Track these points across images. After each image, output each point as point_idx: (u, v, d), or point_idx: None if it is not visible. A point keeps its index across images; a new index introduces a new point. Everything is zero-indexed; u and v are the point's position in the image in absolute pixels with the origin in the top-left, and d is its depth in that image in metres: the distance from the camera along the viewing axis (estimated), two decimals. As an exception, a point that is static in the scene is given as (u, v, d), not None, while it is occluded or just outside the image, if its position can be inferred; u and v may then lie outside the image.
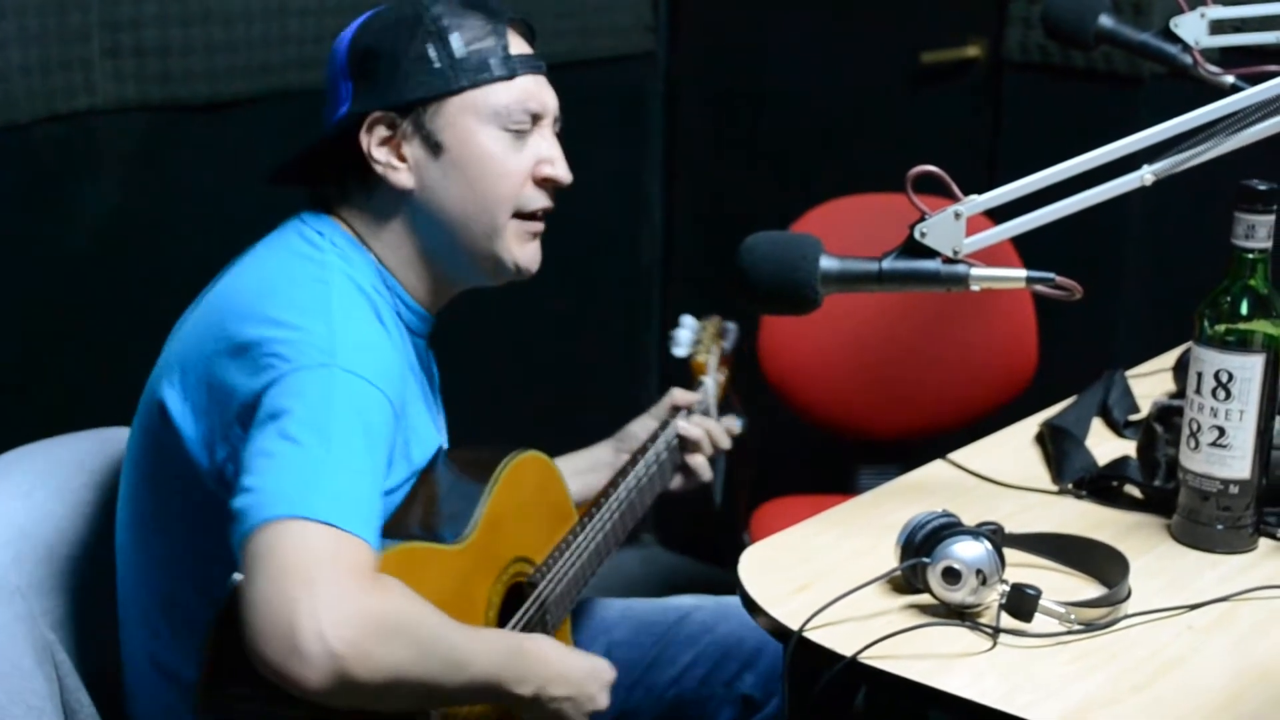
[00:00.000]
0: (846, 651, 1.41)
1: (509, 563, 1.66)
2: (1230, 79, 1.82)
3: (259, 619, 1.28)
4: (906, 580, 1.51)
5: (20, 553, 1.57)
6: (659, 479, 1.95)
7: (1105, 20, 1.92)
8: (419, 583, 1.41)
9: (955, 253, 1.52)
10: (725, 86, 3.37)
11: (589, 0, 3.14)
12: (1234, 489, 1.60)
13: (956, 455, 1.88)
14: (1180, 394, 1.90)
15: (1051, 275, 1.52)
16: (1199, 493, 1.62)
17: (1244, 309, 1.58)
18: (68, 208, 2.46)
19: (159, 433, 1.52)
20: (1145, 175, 1.53)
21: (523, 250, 1.63)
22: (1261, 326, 1.57)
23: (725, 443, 2.03)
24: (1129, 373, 2.10)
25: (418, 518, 1.55)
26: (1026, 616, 1.44)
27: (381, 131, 1.58)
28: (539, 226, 1.64)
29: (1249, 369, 1.58)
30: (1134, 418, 1.98)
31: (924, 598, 1.49)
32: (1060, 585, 1.55)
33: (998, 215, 1.55)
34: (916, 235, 1.52)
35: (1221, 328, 1.58)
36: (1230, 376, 1.58)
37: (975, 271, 1.53)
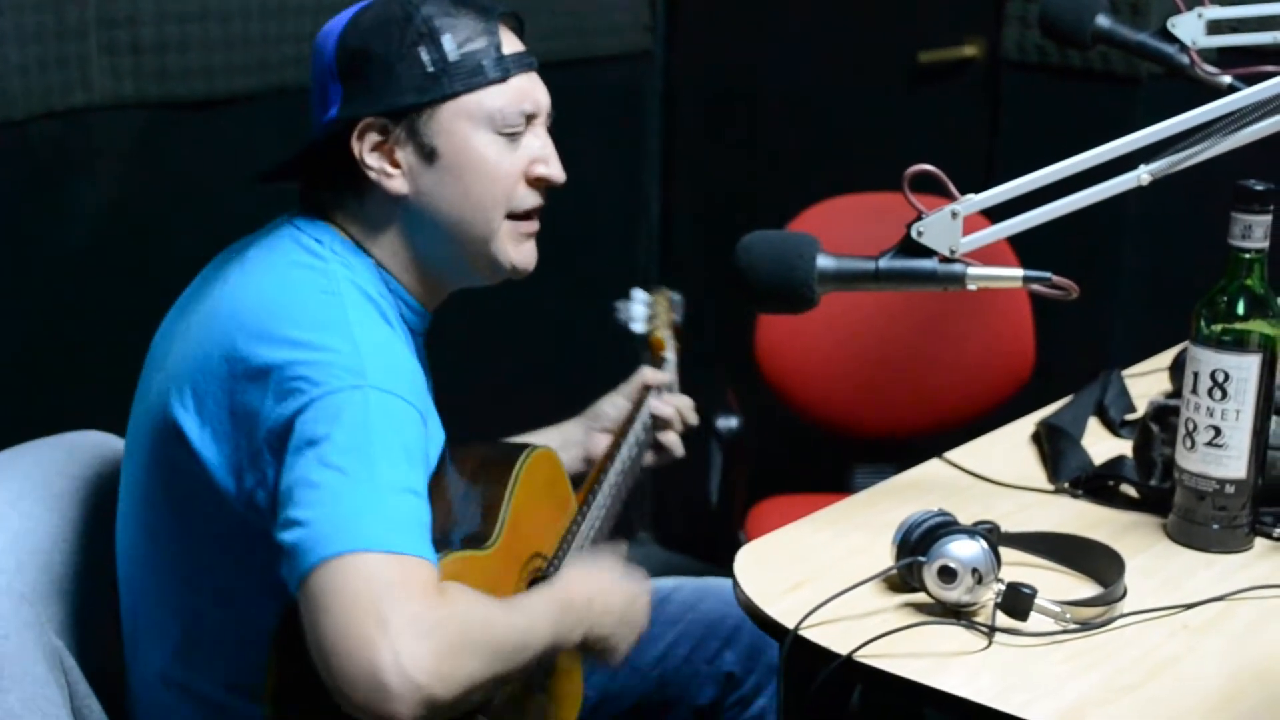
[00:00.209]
0: (842, 650, 1.41)
1: (528, 559, 1.68)
2: (1227, 79, 1.82)
3: (338, 662, 1.29)
4: (902, 579, 1.51)
5: (21, 560, 1.55)
6: (640, 459, 1.96)
7: (1102, 20, 1.92)
8: None
9: (952, 252, 1.52)
10: (723, 86, 3.37)
11: (587, -1, 3.14)
12: (1230, 489, 1.60)
13: (953, 454, 1.88)
14: (1176, 394, 1.90)
15: (1048, 274, 1.52)
16: (1195, 492, 1.62)
17: (1240, 309, 1.58)
18: (65, 205, 2.46)
19: (176, 456, 1.48)
20: (1142, 175, 1.53)
21: (518, 250, 1.62)
22: (1258, 326, 1.58)
23: (694, 419, 2.04)
24: (1125, 372, 2.10)
25: (454, 525, 1.55)
26: (1022, 615, 1.44)
27: (373, 137, 1.54)
28: (534, 226, 1.63)
29: (1245, 369, 1.58)
30: (1130, 417, 1.98)
31: (920, 596, 1.49)
32: (1056, 584, 1.55)
33: (995, 214, 1.55)
34: (913, 234, 1.52)
35: (1218, 327, 1.58)
36: (1226, 376, 1.58)
37: (972, 271, 1.53)
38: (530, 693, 1.64)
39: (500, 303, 2.77)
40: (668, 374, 2.05)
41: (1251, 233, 1.56)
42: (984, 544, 1.46)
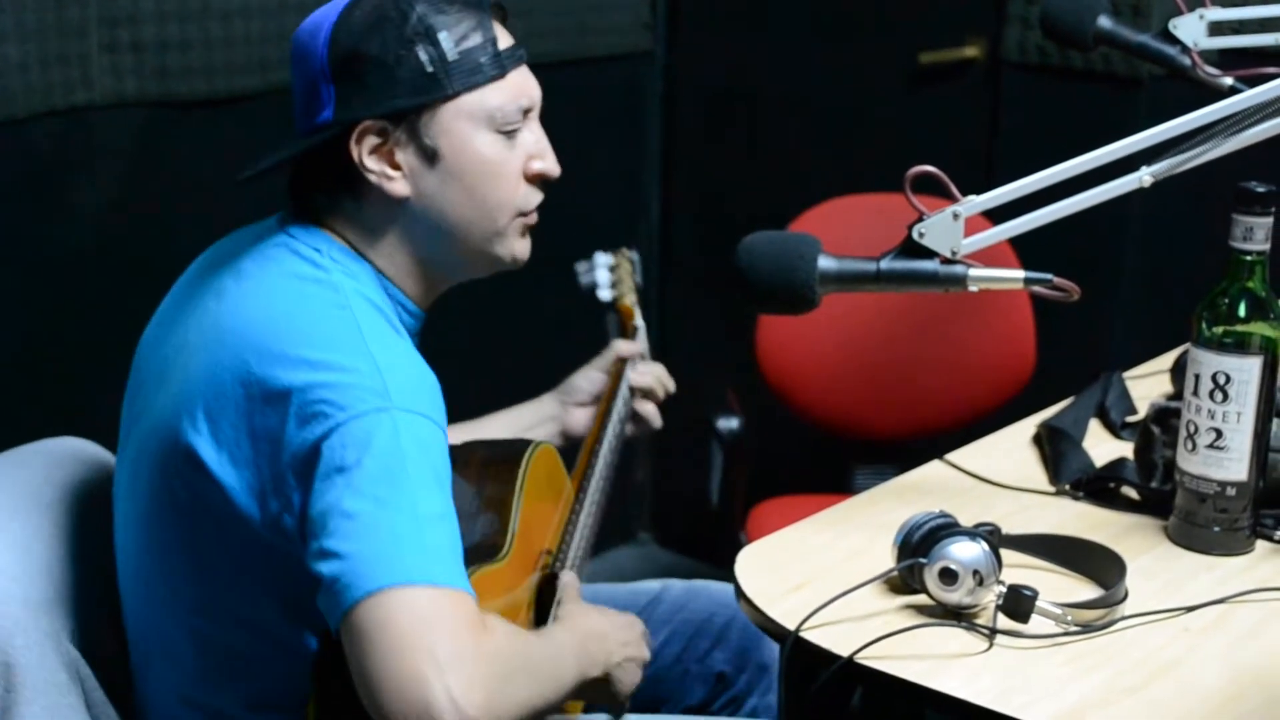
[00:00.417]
0: (843, 651, 1.41)
1: (537, 558, 1.69)
2: (1229, 81, 1.82)
3: (389, 698, 1.29)
4: (903, 580, 1.51)
5: (30, 570, 1.53)
6: (623, 434, 1.96)
7: (1104, 21, 1.92)
8: (487, 609, 1.41)
9: (953, 253, 1.52)
10: (723, 85, 3.37)
11: (587, -2, 3.14)
12: (1231, 491, 1.60)
13: (954, 456, 1.88)
14: (1178, 396, 1.90)
15: (1049, 276, 1.52)
16: (1196, 495, 1.62)
17: (1242, 311, 1.57)
18: (65, 203, 2.46)
19: (191, 480, 1.46)
20: (1143, 177, 1.53)
21: (519, 244, 1.61)
22: (1259, 329, 1.57)
23: (672, 385, 2.04)
24: (1126, 374, 2.10)
25: (469, 541, 1.54)
26: (1023, 617, 1.44)
27: (372, 140, 1.51)
28: (534, 219, 1.62)
29: (1246, 371, 1.58)
30: (1131, 419, 1.98)
31: (921, 598, 1.49)
32: (1057, 586, 1.55)
33: (996, 216, 1.55)
34: (915, 235, 1.52)
35: (1219, 330, 1.58)
36: (1228, 378, 1.58)
37: (973, 272, 1.53)
38: None
39: (500, 303, 2.77)
40: (640, 343, 2.03)
41: (1253, 235, 1.56)
42: (985, 546, 1.46)
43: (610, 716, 1.68)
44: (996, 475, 1.82)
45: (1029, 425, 1.97)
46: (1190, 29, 1.88)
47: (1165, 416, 1.79)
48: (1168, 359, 2.13)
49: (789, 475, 2.79)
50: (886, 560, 1.51)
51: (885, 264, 1.53)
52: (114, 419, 1.62)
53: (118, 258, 2.49)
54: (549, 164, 1.60)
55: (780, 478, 2.75)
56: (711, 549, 3.08)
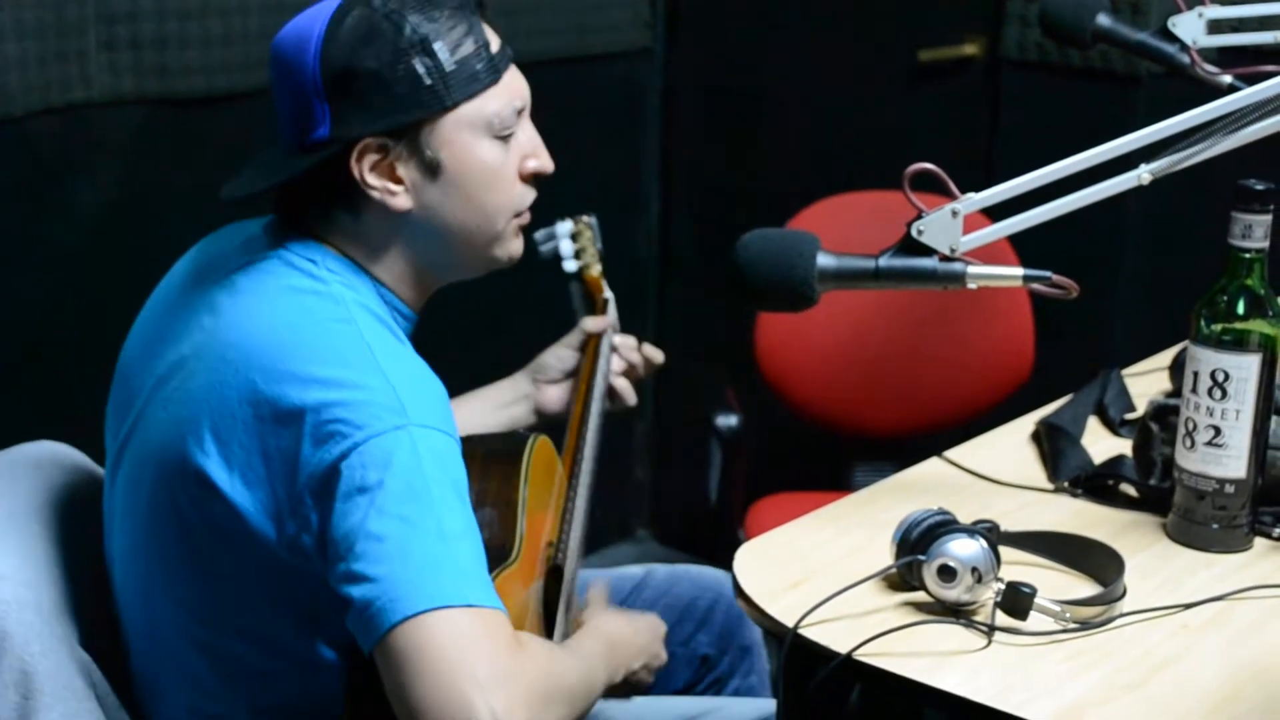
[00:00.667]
0: (842, 649, 1.41)
1: (542, 551, 1.69)
2: (1228, 79, 1.82)
3: None
4: (902, 578, 1.51)
5: (37, 576, 1.52)
6: (604, 413, 1.97)
7: (1103, 19, 1.92)
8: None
9: (952, 250, 1.52)
10: (723, 83, 3.37)
11: (587, -4, 3.14)
12: (1229, 488, 1.60)
13: (952, 453, 1.88)
14: (1176, 393, 1.90)
15: (1048, 273, 1.52)
16: (1194, 492, 1.62)
17: (1240, 309, 1.58)
18: (63, 201, 2.46)
19: (202, 502, 1.44)
20: (1142, 174, 1.53)
21: (515, 243, 1.60)
22: (1258, 326, 1.57)
23: (659, 358, 2.03)
24: (1125, 371, 2.10)
25: (485, 549, 1.55)
26: (1022, 615, 1.44)
27: (372, 156, 1.48)
28: (528, 218, 1.61)
29: (1245, 368, 1.58)
30: (1130, 416, 1.98)
31: (919, 595, 1.49)
32: (1055, 584, 1.55)
33: (995, 213, 1.55)
34: (914, 233, 1.52)
35: (1218, 327, 1.58)
36: (1226, 376, 1.58)
37: (972, 269, 1.53)
38: None
39: (498, 300, 2.77)
40: (611, 315, 2.02)
41: (1252, 232, 1.56)
42: (983, 543, 1.46)
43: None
44: (995, 472, 1.82)
45: (1028, 422, 1.97)
46: (1189, 27, 1.88)
47: (1164, 414, 1.79)
48: (1166, 356, 2.13)
49: (788, 472, 2.79)
50: (885, 557, 1.52)
51: (884, 261, 1.53)
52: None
53: (116, 256, 2.48)
54: (544, 161, 1.59)
55: (779, 475, 2.75)
56: (710, 546, 3.07)
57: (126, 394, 1.56)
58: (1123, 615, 1.48)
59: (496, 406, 1.95)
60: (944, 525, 1.48)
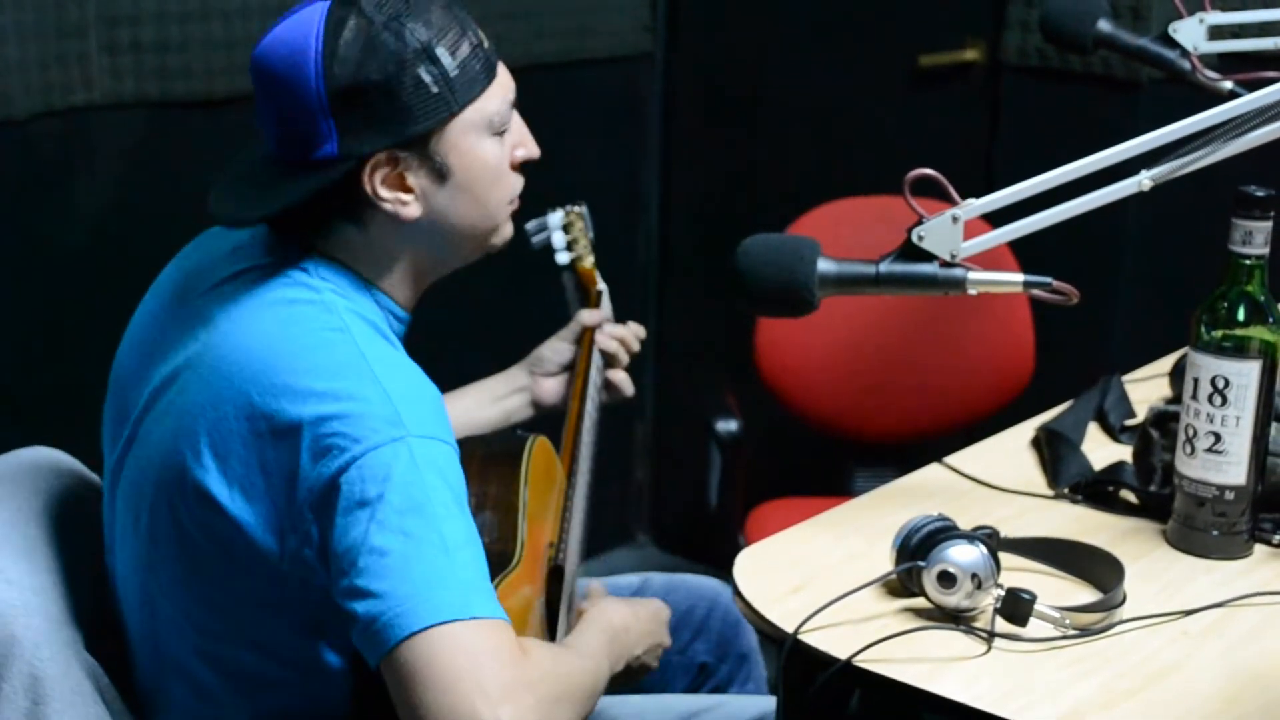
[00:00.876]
0: (841, 654, 1.41)
1: (543, 553, 1.70)
2: (1228, 84, 1.82)
3: None
4: (902, 584, 1.51)
5: (42, 582, 1.52)
6: (601, 407, 1.97)
7: (1104, 25, 1.92)
8: (509, 617, 1.41)
9: (952, 256, 1.52)
10: (723, 88, 3.37)
11: (587, 0, 3.14)
12: (1229, 495, 1.60)
13: (952, 459, 1.88)
14: (1177, 399, 1.90)
15: (1049, 279, 1.52)
16: (1194, 498, 1.62)
17: (1241, 315, 1.58)
18: (65, 204, 2.46)
19: (202, 517, 1.43)
20: (1143, 180, 1.53)
21: (508, 227, 1.59)
22: (1258, 333, 1.57)
23: (636, 347, 2.02)
24: (1125, 377, 2.10)
25: (486, 555, 1.54)
26: (1021, 621, 1.44)
27: (383, 170, 1.47)
28: (518, 203, 1.60)
29: (1245, 375, 1.58)
30: (1130, 423, 1.98)
31: (919, 601, 1.49)
32: (1055, 590, 1.55)
33: (995, 219, 1.55)
34: (914, 238, 1.52)
35: (1218, 333, 1.58)
36: (1226, 382, 1.58)
37: (972, 275, 1.53)
38: None
39: (498, 301, 2.77)
40: (605, 308, 2.02)
41: (1252, 239, 1.56)
42: (983, 549, 1.46)
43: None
44: (995, 478, 1.82)
45: (1028, 428, 1.97)
46: (1190, 33, 1.88)
47: (1164, 420, 1.79)
48: (1167, 363, 2.13)
49: (788, 477, 2.79)
50: (885, 563, 1.51)
51: (884, 267, 1.53)
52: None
53: (116, 258, 2.48)
54: (532, 148, 1.58)
55: (779, 480, 2.75)
56: (710, 551, 3.08)
57: (121, 407, 1.55)
58: (1122, 622, 1.48)
59: (493, 399, 1.95)
60: (944, 531, 1.48)
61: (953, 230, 1.52)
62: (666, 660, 1.94)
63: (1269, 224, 1.56)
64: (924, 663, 1.40)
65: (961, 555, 1.45)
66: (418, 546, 1.34)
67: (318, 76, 1.44)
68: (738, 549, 1.62)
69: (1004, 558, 1.50)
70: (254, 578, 1.45)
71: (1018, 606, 1.44)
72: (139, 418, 1.51)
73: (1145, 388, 2.08)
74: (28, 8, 2.32)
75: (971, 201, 1.52)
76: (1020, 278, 1.52)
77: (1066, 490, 1.78)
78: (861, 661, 1.40)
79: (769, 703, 1.85)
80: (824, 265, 1.53)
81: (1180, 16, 1.87)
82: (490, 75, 1.51)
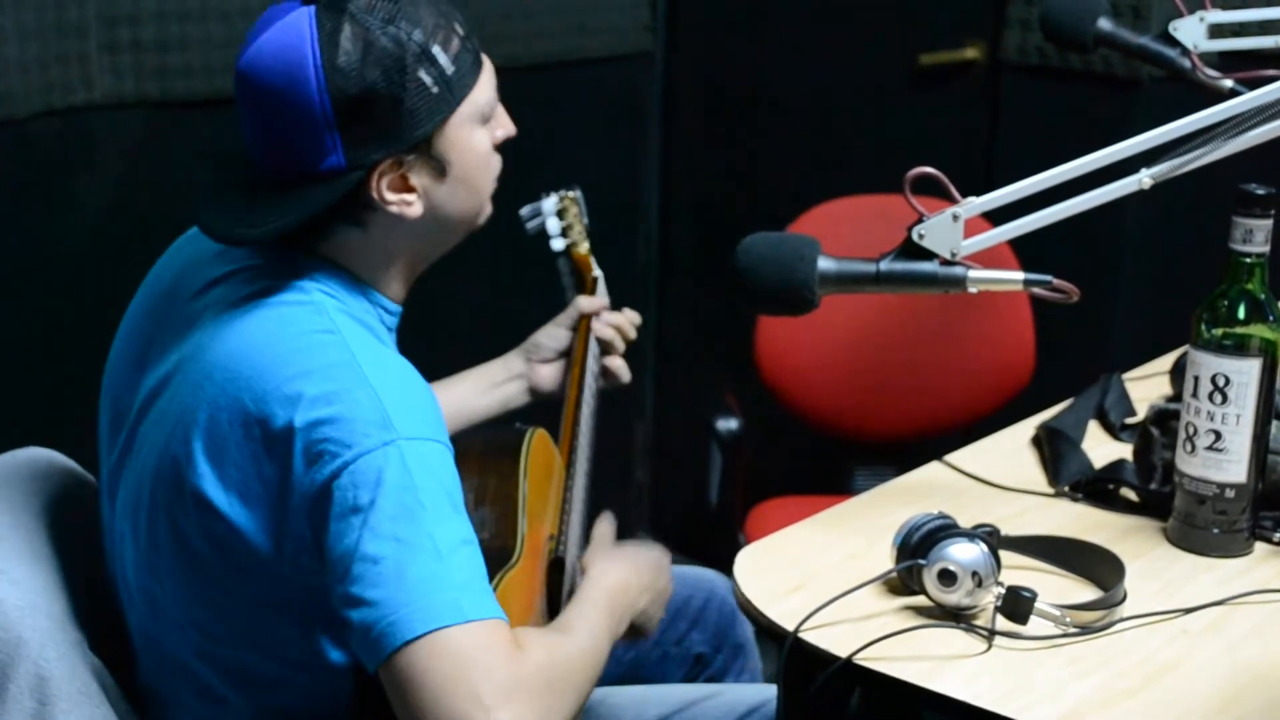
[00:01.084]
0: (842, 653, 1.41)
1: (544, 546, 1.70)
2: (1229, 83, 1.82)
3: None
4: (902, 582, 1.51)
5: (45, 582, 1.51)
6: (598, 394, 1.96)
7: (1104, 23, 1.92)
8: (510, 614, 1.41)
9: (953, 254, 1.52)
10: (723, 87, 3.37)
11: (587, 0, 3.15)
12: (1230, 493, 1.60)
13: (953, 457, 1.88)
14: (1177, 397, 1.90)
15: (1049, 278, 1.52)
16: (1195, 496, 1.62)
17: (1241, 313, 1.58)
18: (65, 203, 2.46)
19: (202, 523, 1.43)
20: (1143, 179, 1.53)
21: (489, 207, 1.59)
22: (1258, 331, 1.58)
23: (633, 334, 2.02)
24: (1126, 376, 2.10)
25: (482, 540, 1.53)
26: (1022, 619, 1.44)
27: (389, 175, 1.46)
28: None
29: (1245, 373, 1.58)
30: (1130, 421, 1.98)
31: (920, 599, 1.49)
32: (1056, 588, 1.55)
33: (996, 217, 1.55)
34: (914, 237, 1.52)
35: (1218, 332, 1.58)
36: (1227, 380, 1.58)
37: (973, 273, 1.53)
38: None
39: (498, 300, 2.77)
40: (602, 293, 2.02)
41: (1252, 237, 1.56)
42: (984, 547, 1.46)
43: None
44: (996, 477, 1.82)
45: (1028, 427, 1.97)
46: (1190, 31, 1.88)
47: (1164, 418, 1.79)
48: (1167, 361, 2.13)
49: (788, 476, 2.79)
50: (886, 561, 1.52)
51: (885, 265, 1.53)
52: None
53: (116, 258, 2.48)
54: (509, 127, 1.57)
55: (779, 479, 2.75)
56: (711, 550, 3.08)
57: (115, 414, 1.55)
58: (1123, 620, 1.48)
59: (490, 385, 1.95)
60: (944, 529, 1.48)
61: (953, 228, 1.52)
62: (663, 651, 1.94)
63: (1269, 222, 1.56)
64: (924, 661, 1.41)
65: (962, 553, 1.45)
66: (411, 552, 1.33)
67: (321, 90, 1.41)
68: (738, 548, 1.62)
69: (1004, 556, 1.51)
70: (255, 580, 1.44)
71: (1018, 604, 1.44)
72: (133, 425, 1.51)
73: (1145, 386, 2.08)
74: (28, 8, 2.32)
75: (972, 200, 1.52)
76: (1020, 276, 1.52)
77: (1067, 488, 1.78)
78: (862, 660, 1.40)
79: (767, 691, 1.85)
80: (824, 264, 1.53)
81: (1180, 15, 1.87)
82: (479, 66, 1.51)
